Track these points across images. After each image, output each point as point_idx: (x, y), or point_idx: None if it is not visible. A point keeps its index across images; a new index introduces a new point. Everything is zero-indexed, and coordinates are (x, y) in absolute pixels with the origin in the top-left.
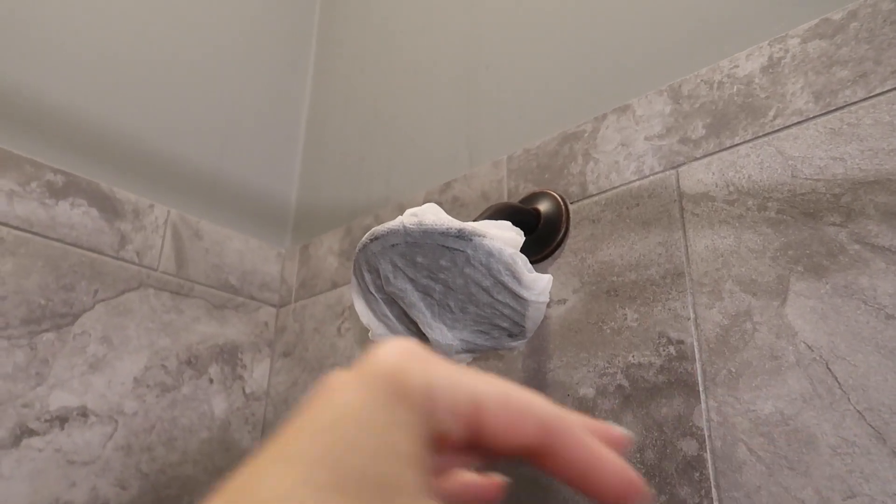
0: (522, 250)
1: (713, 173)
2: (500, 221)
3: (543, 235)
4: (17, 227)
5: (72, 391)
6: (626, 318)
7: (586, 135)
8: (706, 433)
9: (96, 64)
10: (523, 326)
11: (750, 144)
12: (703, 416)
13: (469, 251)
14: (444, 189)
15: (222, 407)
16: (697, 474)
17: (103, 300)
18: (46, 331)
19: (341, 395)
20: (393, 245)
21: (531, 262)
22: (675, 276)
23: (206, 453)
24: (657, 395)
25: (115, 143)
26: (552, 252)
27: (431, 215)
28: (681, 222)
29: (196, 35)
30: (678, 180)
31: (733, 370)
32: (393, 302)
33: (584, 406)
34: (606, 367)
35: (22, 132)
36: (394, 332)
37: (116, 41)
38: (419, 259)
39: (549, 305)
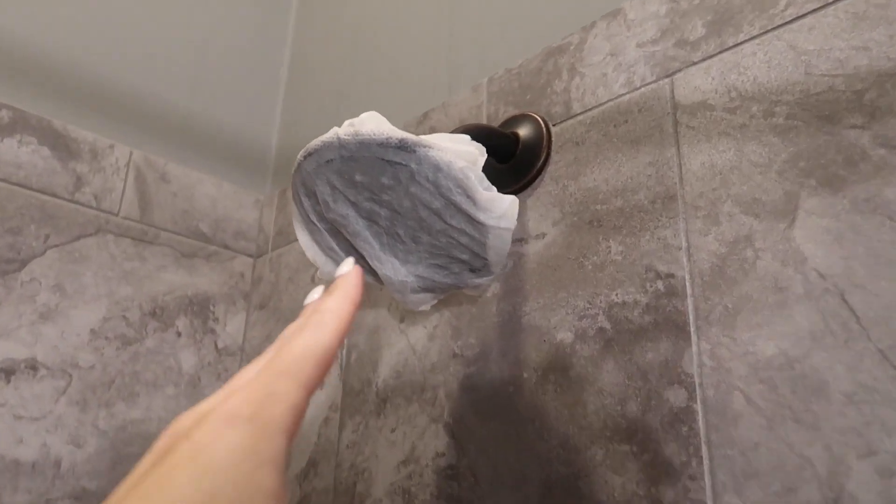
0: (497, 180)
1: (713, 78)
2: (457, 135)
3: (522, 163)
4: None
5: (19, 341)
6: (609, 252)
7: (572, 47)
8: (697, 381)
9: None
10: (486, 259)
11: (756, 41)
12: (694, 361)
13: (413, 165)
14: (422, 120)
15: (191, 362)
16: (686, 428)
17: (56, 246)
18: None
19: (208, 450)
20: (328, 161)
21: (508, 194)
22: (665, 200)
23: (173, 410)
24: (642, 337)
25: (70, 77)
26: (531, 181)
27: (371, 124)
28: (674, 138)
29: None
30: (672, 90)
31: (730, 306)
32: (339, 233)
33: (562, 352)
34: (587, 307)
35: None
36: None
37: None
38: (358, 177)
39: (525, 241)
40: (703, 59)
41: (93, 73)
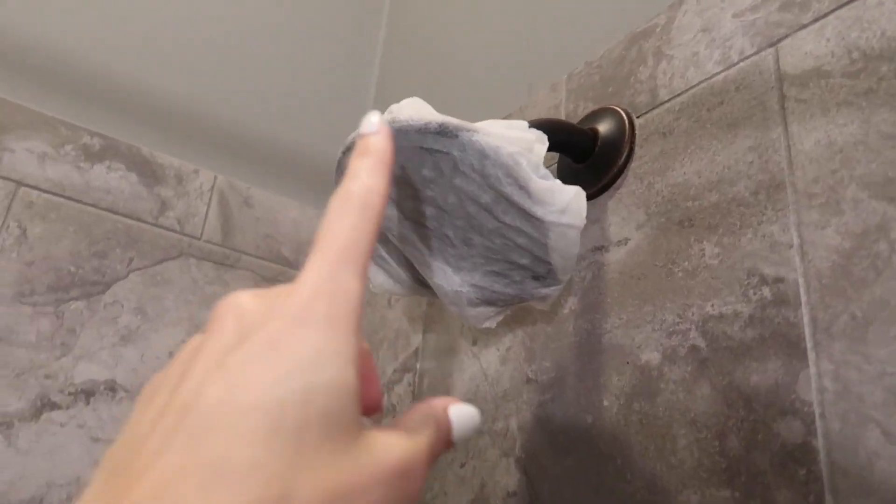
0: (574, 181)
1: (828, 40)
2: (513, 121)
3: (602, 161)
4: (48, 191)
5: (100, 363)
6: (703, 255)
7: (658, 29)
8: (816, 410)
9: (138, 23)
10: (550, 263)
11: None
12: (812, 386)
13: (455, 152)
14: None
15: None
16: (803, 471)
17: (139, 269)
18: (75, 299)
19: (290, 346)
20: None
21: (588, 197)
22: (771, 190)
23: None
24: (745, 356)
25: (159, 105)
26: (613, 180)
27: (409, 109)
28: (780, 115)
29: (259, 3)
30: (777, 59)
31: (859, 315)
32: (388, 239)
33: (648, 375)
34: (677, 322)
35: (56, 93)
36: (396, 279)
37: (165, 3)
38: (398, 171)
39: (606, 249)
40: (816, 20)
41: (179, 101)
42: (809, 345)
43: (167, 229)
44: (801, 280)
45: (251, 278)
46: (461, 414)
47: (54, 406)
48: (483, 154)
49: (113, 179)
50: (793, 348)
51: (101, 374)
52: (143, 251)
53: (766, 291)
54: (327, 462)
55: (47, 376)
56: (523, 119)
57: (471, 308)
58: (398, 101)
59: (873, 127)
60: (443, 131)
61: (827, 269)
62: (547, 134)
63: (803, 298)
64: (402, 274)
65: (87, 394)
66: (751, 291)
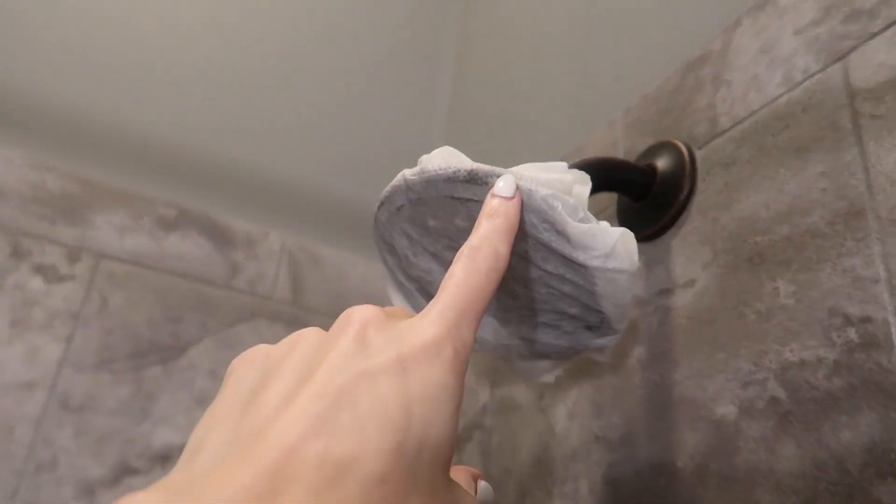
0: (634, 221)
1: None
2: (551, 163)
3: (662, 198)
4: (127, 261)
5: (176, 428)
6: (777, 294)
7: (715, 55)
8: None
9: (208, 97)
10: (601, 312)
11: None
12: None
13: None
14: None
15: None
16: None
17: (212, 332)
18: (152, 364)
19: (419, 376)
20: (398, 208)
21: (644, 238)
22: (850, 218)
23: None
24: (833, 409)
25: (228, 173)
26: (675, 217)
27: (439, 158)
28: (854, 134)
29: (313, 56)
30: (846, 73)
31: None
32: (430, 293)
33: (724, 432)
34: (753, 370)
35: (133, 168)
36: None
37: (224, 74)
38: (431, 222)
39: (671, 292)
40: (887, 27)
41: (247, 166)
42: None
43: (239, 291)
44: (891, 319)
45: (287, 331)
46: (485, 489)
47: (134, 472)
48: None
49: (187, 246)
50: (888, 398)
51: (178, 438)
52: (216, 314)
53: (853, 333)
54: (430, 493)
55: (127, 441)
56: (581, 157)
57: (522, 362)
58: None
59: None
60: (472, 178)
61: None
62: (600, 173)
63: (895, 340)
64: None
65: (164, 459)
66: (834, 334)
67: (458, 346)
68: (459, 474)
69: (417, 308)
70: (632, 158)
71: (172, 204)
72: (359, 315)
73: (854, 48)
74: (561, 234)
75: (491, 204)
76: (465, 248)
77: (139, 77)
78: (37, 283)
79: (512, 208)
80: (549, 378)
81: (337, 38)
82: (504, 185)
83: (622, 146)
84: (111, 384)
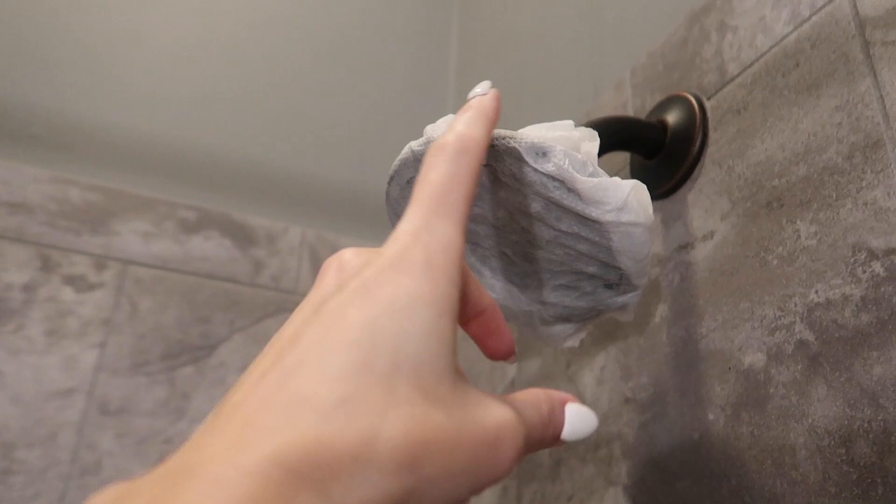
0: (649, 178)
1: None
2: (558, 122)
3: (675, 153)
4: (153, 266)
5: None
6: (799, 237)
7: (718, 1)
8: None
9: (225, 103)
10: (619, 268)
11: None
12: None
13: (492, 162)
14: None
15: None
16: None
17: (240, 329)
18: (184, 365)
19: (384, 291)
20: (408, 181)
21: (659, 195)
22: (867, 150)
23: None
24: (863, 346)
25: (245, 172)
26: (689, 172)
27: (443, 126)
28: (867, 64)
29: (325, 52)
30: (855, 3)
31: None
32: None
33: (754, 380)
34: (779, 316)
35: (153, 175)
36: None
37: (235, 76)
38: None
39: (691, 246)
40: None
41: (263, 164)
42: None
43: (263, 287)
44: None
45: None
46: (578, 413)
47: None
48: (520, 159)
49: (209, 247)
50: None
51: None
52: (243, 311)
53: (878, 267)
54: (418, 409)
55: (165, 441)
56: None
57: (545, 327)
58: None
59: None
60: None
61: None
62: (609, 132)
63: None
64: None
65: None
66: (859, 269)
67: (431, 247)
68: (529, 394)
69: None
70: (642, 116)
71: (192, 207)
72: (331, 260)
73: None
74: (572, 190)
75: (466, 105)
76: (433, 143)
77: (153, 84)
78: (68, 293)
79: (486, 99)
80: (573, 342)
81: (346, 31)
82: (479, 86)
83: (631, 106)
84: (147, 386)
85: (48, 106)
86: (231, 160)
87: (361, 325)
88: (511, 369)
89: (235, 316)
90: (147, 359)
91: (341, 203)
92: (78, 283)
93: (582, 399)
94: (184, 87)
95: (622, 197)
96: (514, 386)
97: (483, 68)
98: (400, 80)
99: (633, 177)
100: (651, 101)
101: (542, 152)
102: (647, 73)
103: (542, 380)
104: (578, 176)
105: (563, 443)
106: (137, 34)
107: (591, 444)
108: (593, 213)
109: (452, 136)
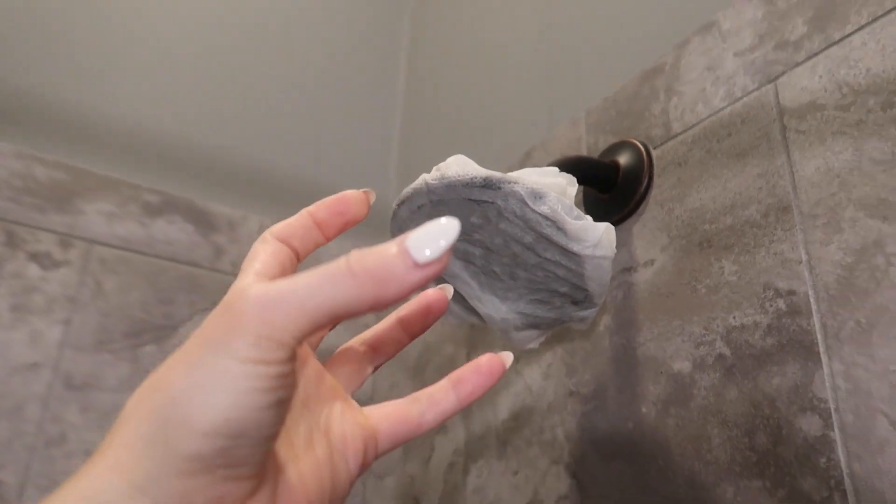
0: (600, 210)
1: (820, 77)
2: (546, 168)
3: (624, 190)
4: (117, 247)
5: None
6: (723, 273)
7: (668, 67)
8: (832, 406)
9: (185, 85)
10: (587, 290)
11: (866, 31)
12: (827, 385)
13: (499, 202)
14: (525, 159)
15: None
16: (824, 460)
17: (202, 311)
18: (148, 343)
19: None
20: (419, 207)
21: (614, 222)
22: (779, 212)
23: None
24: (766, 362)
25: (208, 159)
26: (635, 207)
27: (456, 166)
28: (783, 144)
29: (284, 48)
30: (777, 94)
31: (863, 321)
32: (439, 277)
33: (681, 383)
34: (704, 334)
35: (116, 156)
36: (449, 311)
37: (200, 61)
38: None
39: (634, 269)
40: (808, 58)
41: (225, 153)
42: (822, 349)
43: (223, 272)
44: (810, 292)
45: None
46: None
47: None
48: (523, 202)
49: (172, 231)
50: (808, 352)
51: None
52: (204, 294)
53: (781, 303)
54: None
55: None
56: (546, 151)
57: (517, 332)
58: (422, 139)
59: (865, 154)
60: (487, 184)
61: (833, 282)
62: (575, 171)
63: (814, 308)
64: (453, 307)
65: None
66: (767, 304)
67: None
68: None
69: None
70: (594, 153)
71: (156, 191)
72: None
73: (783, 73)
74: (561, 229)
75: (398, 263)
76: (352, 256)
77: (121, 67)
78: (34, 269)
79: (408, 280)
80: (534, 344)
81: (308, 39)
82: (431, 252)
83: (585, 143)
84: (111, 363)
85: (14, 82)
86: (196, 147)
87: None
88: (460, 360)
89: (197, 298)
90: (111, 336)
91: (297, 195)
92: (43, 260)
93: (529, 391)
94: (153, 72)
95: (598, 236)
96: None
97: (435, 74)
98: (355, 85)
99: (585, 206)
100: (603, 141)
101: (540, 196)
102: (601, 117)
103: None
104: (567, 218)
105: (432, 270)
106: (108, 16)
107: (536, 429)
108: (575, 247)
109: (357, 281)
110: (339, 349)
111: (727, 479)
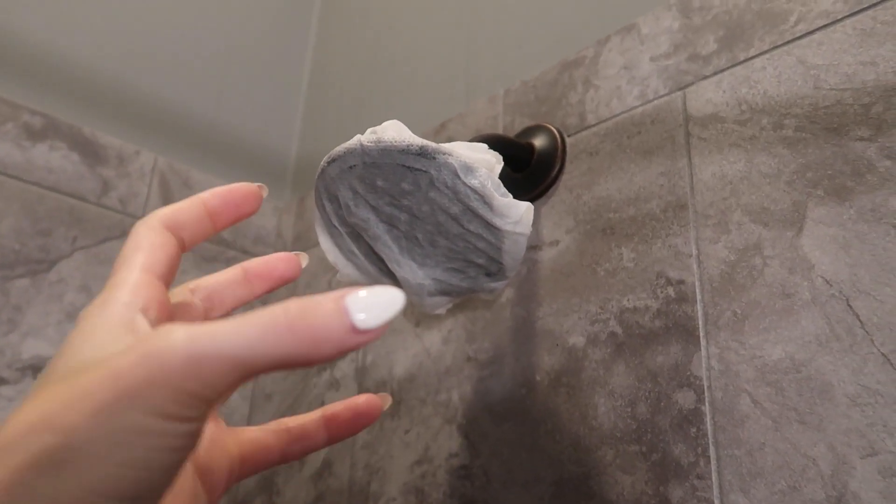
0: (513, 188)
1: (724, 91)
2: (475, 143)
3: (537, 172)
4: None
5: (47, 340)
6: (622, 259)
7: (587, 61)
8: (705, 383)
9: (88, 7)
10: (501, 263)
11: (767, 56)
12: (703, 365)
13: (432, 171)
14: (440, 129)
15: None
16: (694, 430)
17: (83, 248)
18: (20, 276)
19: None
20: (351, 167)
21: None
22: (677, 209)
23: None
24: (653, 342)
25: (100, 86)
26: (546, 190)
27: (392, 132)
28: (686, 148)
29: None
30: (685, 102)
31: (738, 312)
32: (359, 236)
33: (574, 356)
34: (599, 312)
35: None
36: (362, 271)
37: None
38: (379, 183)
39: (539, 248)
40: (715, 73)
41: (120, 81)
42: (702, 333)
43: (110, 209)
44: (697, 283)
45: (191, 258)
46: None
47: (2, 381)
48: (455, 174)
49: (55, 159)
50: (689, 336)
51: (48, 350)
52: (87, 230)
53: (671, 290)
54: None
55: None
56: (463, 124)
57: (429, 298)
58: (331, 96)
59: (755, 167)
60: (423, 153)
61: (717, 276)
62: (496, 148)
63: (698, 297)
64: (369, 267)
65: (35, 369)
66: (658, 290)
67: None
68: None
69: (342, 248)
70: (510, 133)
71: (39, 112)
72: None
73: (692, 83)
74: (487, 204)
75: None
76: (292, 309)
77: None
78: None
79: (344, 344)
80: (442, 310)
81: None
82: (371, 321)
83: (502, 121)
84: None
85: None
86: (89, 69)
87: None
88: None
89: (79, 233)
90: None
91: (196, 136)
92: None
93: (427, 354)
94: None
95: (520, 214)
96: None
97: (351, 31)
98: (265, 30)
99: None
100: (520, 123)
101: (471, 170)
102: (519, 98)
103: (390, 332)
104: (495, 194)
105: (370, 334)
106: None
107: (432, 390)
108: (497, 222)
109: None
110: None
111: (608, 443)
